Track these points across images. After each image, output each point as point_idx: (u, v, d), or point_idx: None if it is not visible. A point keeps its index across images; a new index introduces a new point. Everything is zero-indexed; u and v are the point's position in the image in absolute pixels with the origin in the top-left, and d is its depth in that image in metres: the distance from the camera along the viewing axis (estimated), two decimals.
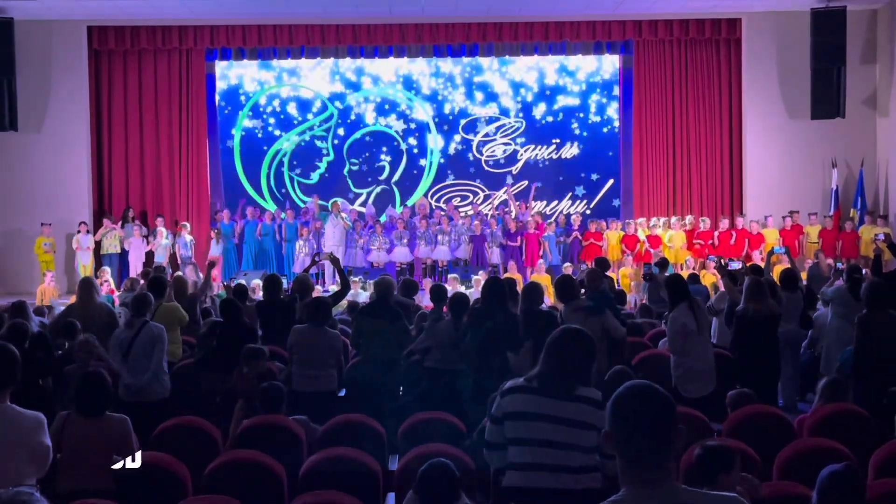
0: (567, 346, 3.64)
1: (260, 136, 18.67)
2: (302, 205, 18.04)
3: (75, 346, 6.67)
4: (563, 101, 18.66)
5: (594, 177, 18.77)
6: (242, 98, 18.64)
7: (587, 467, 3.54)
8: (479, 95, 18.70)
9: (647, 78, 17.63)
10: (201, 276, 11.17)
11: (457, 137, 18.72)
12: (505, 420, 3.60)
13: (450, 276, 14.51)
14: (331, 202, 16.88)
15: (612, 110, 18.65)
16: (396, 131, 18.66)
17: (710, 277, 14.18)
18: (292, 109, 18.71)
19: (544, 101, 18.70)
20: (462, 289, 12.78)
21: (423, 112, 18.68)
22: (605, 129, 18.72)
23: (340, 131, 18.69)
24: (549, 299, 11.97)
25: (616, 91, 18.56)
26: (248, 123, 18.64)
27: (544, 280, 14.36)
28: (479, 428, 4.86)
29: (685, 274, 13.14)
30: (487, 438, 3.71)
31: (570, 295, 6.82)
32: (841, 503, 3.21)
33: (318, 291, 12.22)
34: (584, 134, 18.69)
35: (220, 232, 16.78)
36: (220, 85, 18.47)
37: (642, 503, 2.12)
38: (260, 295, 10.98)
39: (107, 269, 14.84)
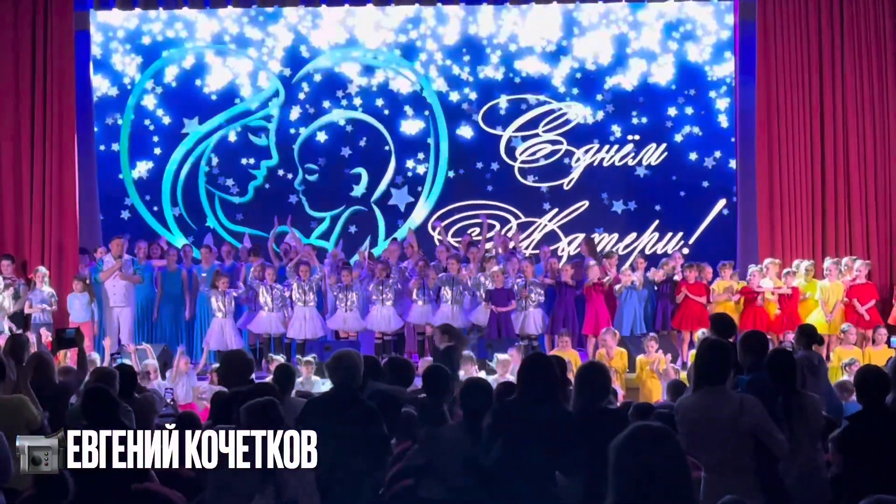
0: (646, 459, 3.76)
1: (161, 127, 18.03)
2: (231, 239, 17.48)
3: None
4: (645, 74, 17.94)
5: (696, 194, 17.89)
6: (133, 69, 17.87)
7: None
8: (508, 65, 17.99)
9: (778, 37, 16.81)
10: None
11: (473, 131, 18.04)
12: None
13: None
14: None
15: (724, 88, 17.85)
16: (379, 121, 17.97)
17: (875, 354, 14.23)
18: (214, 86, 17.94)
19: (614, 75, 17.90)
20: (480, 374, 12.50)
21: (422, 92, 18.06)
22: (712, 120, 17.95)
23: (291, 121, 18.09)
24: (621, 389, 12.89)
25: (730, 58, 17.77)
26: (142, 107, 17.98)
27: (618, 360, 14.15)
28: None
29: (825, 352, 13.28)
30: None
31: (720, 375, 6.52)
32: None
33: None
34: (680, 126, 17.93)
35: (90, 283, 15.88)
36: (97, 48, 17.76)
37: None
38: (156, 382, 12.57)
39: None
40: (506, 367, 12.63)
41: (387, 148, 17.93)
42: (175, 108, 17.93)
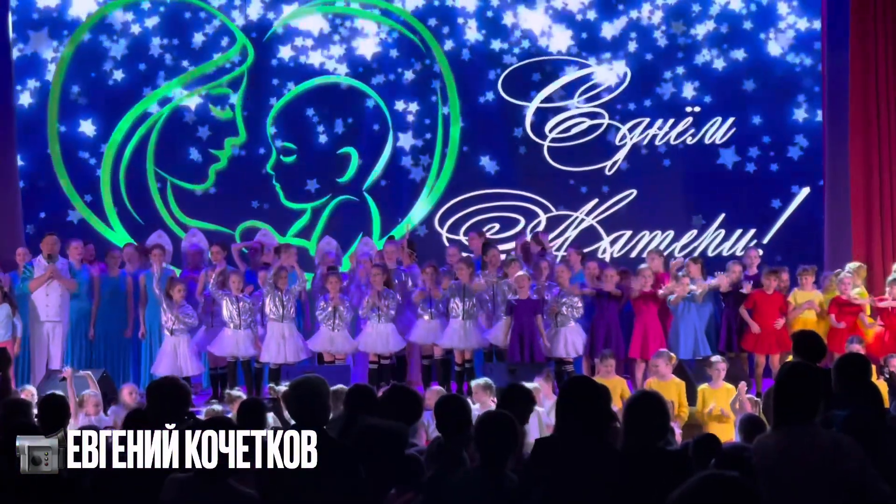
0: None
1: (97, 94, 18.02)
2: (182, 234, 17.35)
3: None
4: (705, 32, 18.03)
5: (773, 181, 18.01)
6: (63, 21, 17.92)
7: None
8: (536, 20, 17.97)
9: None
10: None
11: (491, 100, 18.04)
12: None
13: (475, 382, 12.79)
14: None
15: (807, 50, 17.87)
16: (372, 88, 18.05)
17: None
18: (164, 44, 17.96)
19: (667, 31, 17.94)
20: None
21: (426, 51, 18.09)
22: (793, 85, 17.95)
23: (262, 89, 18.08)
24: (678, 425, 12.90)
25: (813, 18, 17.75)
26: (74, 69, 17.90)
27: (671, 389, 13.67)
28: None
29: None
30: None
31: (808, 409, 6.54)
32: None
33: (215, 412, 12.20)
34: (752, 95, 17.94)
35: (9, 291, 15.34)
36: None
37: None
38: (95, 417, 12.38)
39: None
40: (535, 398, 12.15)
41: (383, 122, 17.92)
42: (113, 67, 17.66)
